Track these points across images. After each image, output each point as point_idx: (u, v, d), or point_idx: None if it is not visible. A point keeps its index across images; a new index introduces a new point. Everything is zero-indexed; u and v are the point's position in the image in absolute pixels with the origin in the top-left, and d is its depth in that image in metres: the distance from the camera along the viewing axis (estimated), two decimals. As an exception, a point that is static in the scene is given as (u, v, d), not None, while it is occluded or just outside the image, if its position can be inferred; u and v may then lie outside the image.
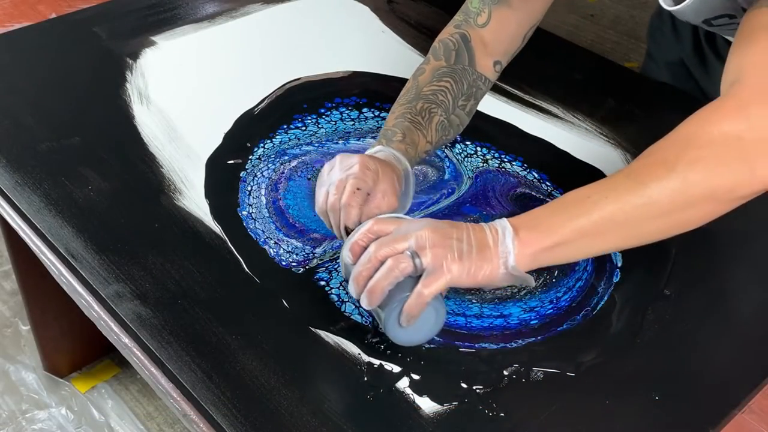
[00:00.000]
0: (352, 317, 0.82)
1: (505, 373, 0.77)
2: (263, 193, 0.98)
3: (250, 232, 0.92)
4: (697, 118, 0.71)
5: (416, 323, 0.73)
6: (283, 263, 0.88)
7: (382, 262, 0.71)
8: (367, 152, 0.87)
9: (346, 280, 0.76)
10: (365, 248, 0.74)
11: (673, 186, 0.68)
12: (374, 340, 0.79)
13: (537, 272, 0.87)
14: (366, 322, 0.82)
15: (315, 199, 0.84)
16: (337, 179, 0.81)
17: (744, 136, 0.67)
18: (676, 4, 0.93)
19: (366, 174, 0.80)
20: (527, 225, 0.72)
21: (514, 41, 0.96)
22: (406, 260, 0.70)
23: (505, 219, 0.73)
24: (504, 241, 0.71)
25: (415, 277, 0.71)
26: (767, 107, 0.68)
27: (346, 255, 0.75)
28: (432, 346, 0.79)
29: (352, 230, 0.77)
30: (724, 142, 0.68)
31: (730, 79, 0.72)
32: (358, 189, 0.79)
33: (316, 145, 1.06)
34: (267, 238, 0.91)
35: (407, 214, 0.93)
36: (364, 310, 0.80)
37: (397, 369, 0.77)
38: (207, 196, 0.97)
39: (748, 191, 0.69)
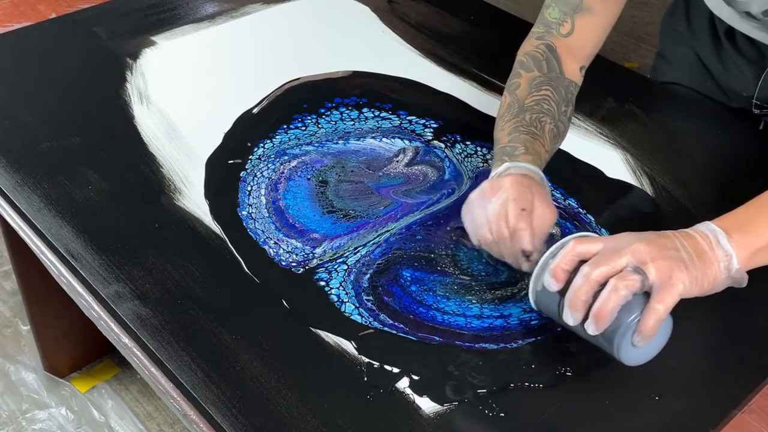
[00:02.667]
0: (351, 317, 0.82)
1: (506, 373, 0.77)
2: (263, 193, 0.98)
3: (249, 232, 0.92)
4: None
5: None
6: (283, 263, 0.88)
7: (601, 284, 0.68)
8: (494, 173, 0.84)
9: (543, 311, 0.73)
10: (569, 273, 0.70)
11: None
12: (368, 332, 0.79)
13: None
14: (366, 322, 0.82)
15: (471, 233, 0.81)
16: (495, 209, 0.78)
17: None
18: None
19: (523, 191, 0.78)
20: (736, 226, 0.70)
21: (598, 44, 0.97)
22: (632, 277, 0.67)
23: (709, 222, 0.71)
24: (720, 245, 0.69)
25: (640, 294, 0.68)
26: None
27: (549, 281, 0.71)
28: (432, 345, 0.79)
29: (530, 253, 0.74)
30: None
31: None
32: (522, 209, 0.76)
33: (316, 145, 1.06)
34: (267, 238, 0.91)
35: (407, 215, 0.93)
36: (583, 336, 0.73)
37: (397, 369, 0.77)
38: (207, 196, 0.97)
39: None
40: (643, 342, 0.69)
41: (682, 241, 0.69)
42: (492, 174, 0.85)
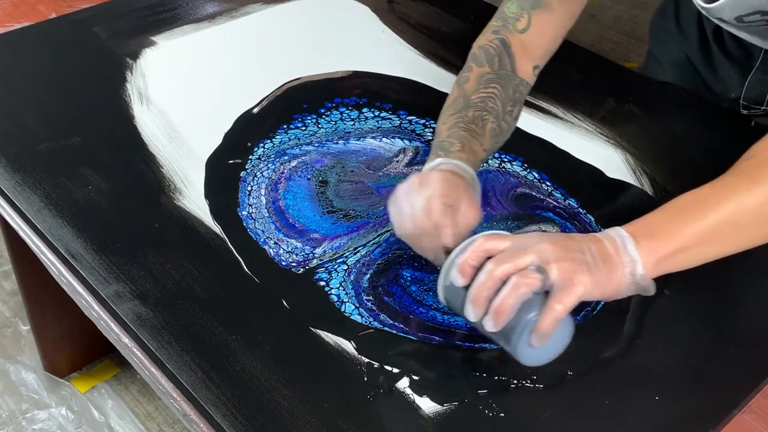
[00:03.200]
0: (351, 317, 0.82)
1: (506, 373, 0.77)
2: (263, 193, 0.98)
3: (249, 232, 0.92)
4: None
5: (548, 341, 0.69)
6: (283, 263, 0.88)
7: (503, 281, 0.67)
8: (427, 167, 0.84)
9: (450, 306, 0.72)
10: (475, 268, 0.70)
11: None
12: (368, 332, 0.79)
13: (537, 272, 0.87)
14: (366, 322, 0.82)
15: (394, 223, 0.80)
16: (420, 202, 0.77)
17: None
18: (710, 2, 0.92)
19: (450, 188, 0.78)
20: (645, 233, 0.70)
21: (554, 44, 0.96)
22: (533, 275, 0.66)
23: (619, 228, 0.70)
24: (626, 251, 0.69)
25: (541, 294, 0.68)
26: None
27: (455, 276, 0.71)
28: (432, 345, 0.79)
29: (451, 250, 0.73)
30: None
31: None
32: (447, 206, 0.76)
33: (316, 145, 1.06)
34: (267, 238, 0.91)
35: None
36: (474, 326, 0.74)
37: (397, 369, 0.77)
38: (207, 196, 0.97)
39: None
40: (539, 342, 0.67)
41: (589, 245, 0.69)
42: (425, 167, 0.85)
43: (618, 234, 0.70)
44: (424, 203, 0.77)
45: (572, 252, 0.68)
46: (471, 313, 0.69)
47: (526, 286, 0.66)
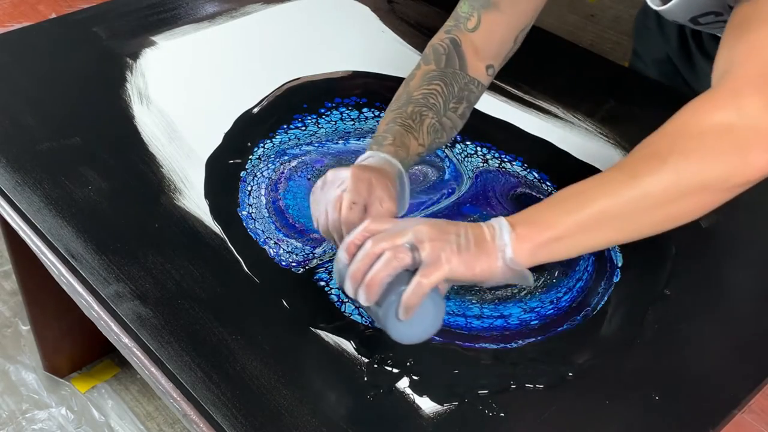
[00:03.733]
0: (351, 317, 0.82)
1: (505, 373, 0.77)
2: (263, 193, 0.98)
3: (249, 232, 0.92)
4: (688, 110, 0.71)
5: (415, 318, 0.71)
6: (283, 263, 0.88)
7: (380, 258, 0.70)
8: (358, 160, 0.86)
9: (341, 288, 0.74)
10: (359, 247, 0.73)
11: (666, 178, 0.68)
12: (368, 332, 0.79)
13: (538, 273, 0.87)
14: (366, 321, 0.82)
15: (313, 217, 0.83)
16: (333, 197, 0.80)
17: (736, 124, 0.67)
18: (663, 4, 0.93)
19: (359, 186, 0.79)
20: (524, 221, 0.72)
21: (505, 44, 0.96)
22: (405, 252, 0.70)
23: (502, 217, 0.72)
24: (501, 237, 0.71)
25: (413, 271, 0.70)
26: (759, 96, 0.67)
27: (341, 256, 0.74)
28: (432, 345, 0.79)
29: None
30: (716, 132, 0.68)
31: (720, 72, 0.72)
32: (354, 203, 0.78)
33: (316, 145, 1.06)
34: (267, 238, 0.91)
35: (406, 215, 0.93)
36: (363, 309, 0.79)
37: (397, 369, 0.77)
38: (207, 196, 0.97)
39: (742, 180, 0.69)
40: (404, 315, 0.70)
41: (467, 230, 0.72)
42: (357, 161, 0.86)
43: (498, 222, 0.72)
44: (334, 200, 0.80)
45: (447, 234, 0.71)
46: (348, 288, 0.72)
47: (397, 261, 0.69)
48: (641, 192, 0.69)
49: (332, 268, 0.87)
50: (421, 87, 0.92)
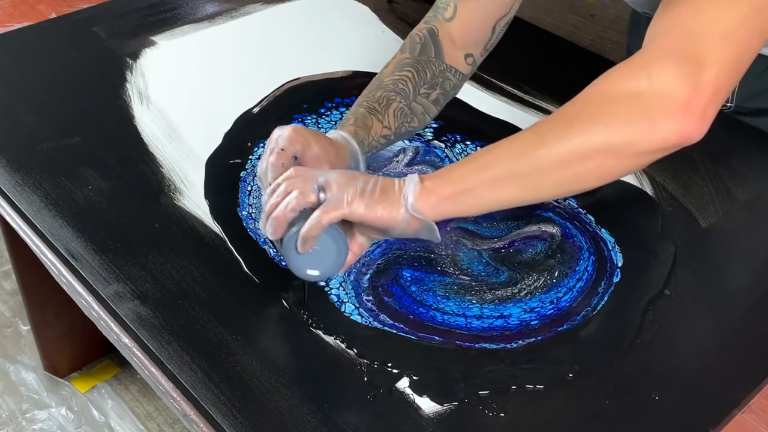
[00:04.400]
0: (351, 317, 0.82)
1: (506, 373, 0.77)
2: (263, 193, 0.98)
3: (250, 232, 0.92)
4: (602, 78, 0.72)
5: (314, 254, 0.75)
6: (283, 263, 0.88)
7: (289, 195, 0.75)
8: None
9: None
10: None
11: (571, 136, 0.70)
12: (368, 332, 0.79)
13: (537, 272, 0.88)
14: (366, 322, 0.82)
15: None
16: (269, 146, 0.84)
17: (645, 92, 0.68)
18: None
19: (294, 138, 0.82)
20: (433, 176, 0.75)
21: (483, 33, 0.96)
22: (311, 191, 0.74)
23: (413, 174, 0.75)
24: (407, 186, 0.74)
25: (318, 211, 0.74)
26: (671, 65, 0.68)
27: (264, 199, 0.78)
28: (432, 345, 0.79)
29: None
30: (625, 98, 0.69)
31: (644, 45, 0.73)
32: (282, 150, 0.82)
33: (316, 145, 1.06)
34: (267, 238, 0.91)
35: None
36: (275, 246, 0.84)
37: (396, 369, 0.77)
38: (207, 196, 0.97)
39: (648, 146, 0.70)
40: (302, 248, 0.74)
41: (377, 180, 0.76)
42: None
43: (409, 176, 0.75)
44: (269, 149, 0.83)
45: (355, 180, 0.75)
46: (262, 224, 0.77)
47: (302, 197, 0.74)
48: (546, 150, 0.71)
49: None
50: (392, 73, 0.94)
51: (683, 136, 0.68)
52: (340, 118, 1.10)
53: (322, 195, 0.74)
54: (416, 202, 0.73)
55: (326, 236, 0.74)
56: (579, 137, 0.70)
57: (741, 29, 0.69)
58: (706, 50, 0.67)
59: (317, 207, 0.74)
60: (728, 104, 1.08)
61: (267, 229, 0.76)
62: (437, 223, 0.75)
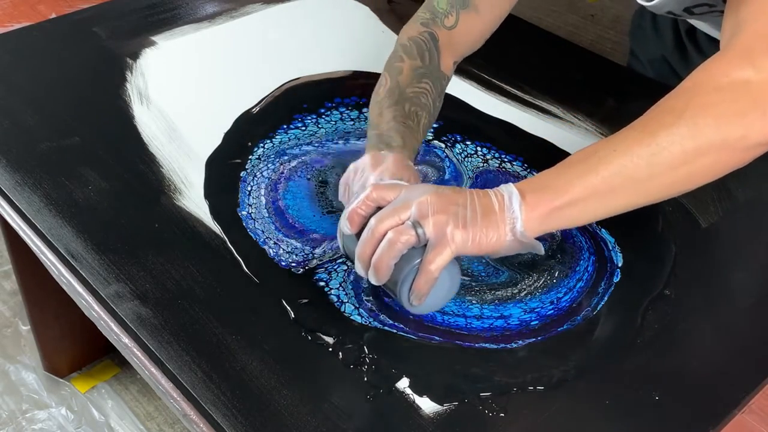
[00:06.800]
0: (351, 317, 0.82)
1: (506, 374, 0.77)
2: (263, 193, 0.98)
3: (249, 232, 0.92)
4: (702, 70, 0.69)
5: (431, 292, 0.71)
6: (283, 263, 0.88)
7: (384, 238, 0.70)
8: (366, 151, 0.86)
9: (347, 256, 0.74)
10: (364, 217, 0.72)
11: (683, 132, 0.65)
12: (368, 333, 0.79)
13: (537, 272, 0.88)
14: (366, 322, 0.82)
15: (342, 199, 0.83)
16: (374, 177, 0.79)
17: (752, 80, 0.65)
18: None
19: (402, 170, 0.80)
20: (534, 187, 0.69)
21: (477, 44, 0.98)
22: (408, 232, 0.69)
23: (511, 184, 0.70)
24: (511, 206, 0.68)
25: (420, 248, 0.69)
26: None
27: (344, 224, 0.73)
28: (432, 345, 0.79)
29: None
30: (733, 87, 0.66)
31: (728, 36, 0.71)
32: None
33: (316, 145, 1.06)
34: (267, 238, 0.91)
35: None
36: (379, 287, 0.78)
37: (396, 369, 0.77)
38: (207, 196, 0.97)
39: (761, 138, 0.67)
40: (418, 301, 0.71)
41: (473, 198, 0.70)
42: (366, 150, 0.86)
43: (507, 190, 0.70)
44: (374, 180, 0.79)
45: (452, 206, 0.69)
46: (360, 270, 0.73)
47: (401, 243, 0.69)
48: (656, 148, 0.66)
49: (332, 268, 0.87)
50: (412, 84, 0.92)
51: None
52: (340, 119, 1.10)
53: (419, 231, 0.69)
54: (525, 226, 0.68)
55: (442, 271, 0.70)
56: (690, 130, 0.65)
57: None
58: None
59: (416, 245, 0.70)
60: None
61: (371, 278, 0.72)
62: None
